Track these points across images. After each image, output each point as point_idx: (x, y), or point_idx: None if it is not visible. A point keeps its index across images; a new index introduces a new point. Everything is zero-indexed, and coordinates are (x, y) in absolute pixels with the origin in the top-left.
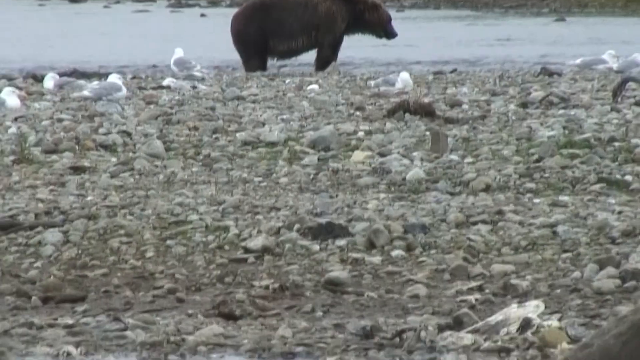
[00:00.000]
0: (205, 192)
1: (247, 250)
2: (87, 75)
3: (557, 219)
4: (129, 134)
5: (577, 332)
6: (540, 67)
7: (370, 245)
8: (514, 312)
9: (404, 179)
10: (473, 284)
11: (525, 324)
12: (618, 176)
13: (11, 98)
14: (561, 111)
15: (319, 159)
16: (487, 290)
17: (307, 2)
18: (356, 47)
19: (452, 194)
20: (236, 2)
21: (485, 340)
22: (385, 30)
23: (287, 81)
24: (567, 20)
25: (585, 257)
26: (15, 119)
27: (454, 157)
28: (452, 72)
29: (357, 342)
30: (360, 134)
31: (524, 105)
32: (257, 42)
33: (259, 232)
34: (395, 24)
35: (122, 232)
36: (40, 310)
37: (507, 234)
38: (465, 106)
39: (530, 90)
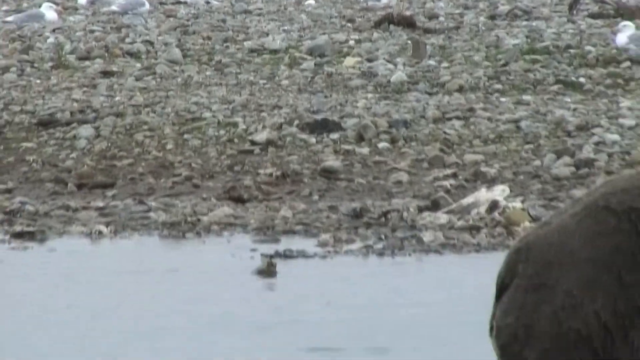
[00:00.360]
0: (217, 92)
1: (253, 142)
2: None
3: (520, 115)
4: (151, 43)
5: (537, 212)
6: None
7: (360, 138)
8: (483, 195)
9: (388, 81)
10: (448, 171)
11: (493, 205)
12: (573, 78)
13: (50, 12)
14: (524, 22)
15: (315, 64)
16: (460, 177)
17: None
18: None
19: (430, 94)
20: None
21: (458, 219)
22: None
23: None
24: None
25: (545, 148)
26: (53, 30)
27: (431, 62)
28: None
29: (348, 221)
30: (351, 42)
31: (492, 17)
32: None
33: (264, 127)
34: None
35: (145, 127)
36: (76, 195)
37: (477, 128)
38: (441, 18)
39: (497, 5)
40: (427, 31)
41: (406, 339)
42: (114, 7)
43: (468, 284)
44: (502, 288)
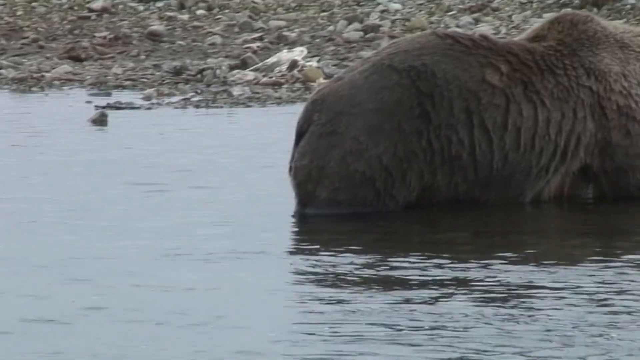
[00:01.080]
0: None
1: (90, 10)
2: None
3: None
4: None
5: (330, 71)
6: None
7: (181, 6)
8: (285, 55)
9: None
10: (255, 35)
11: (293, 64)
12: None
13: None
14: None
15: None
16: (265, 40)
17: None
18: None
19: None
20: None
21: (263, 76)
22: None
23: None
24: None
25: (338, 15)
26: None
27: None
28: None
29: (170, 77)
30: None
31: None
32: None
33: None
34: None
35: None
36: None
37: None
38: None
39: None
40: None
41: (219, 175)
42: None
43: (271, 130)
44: (300, 134)
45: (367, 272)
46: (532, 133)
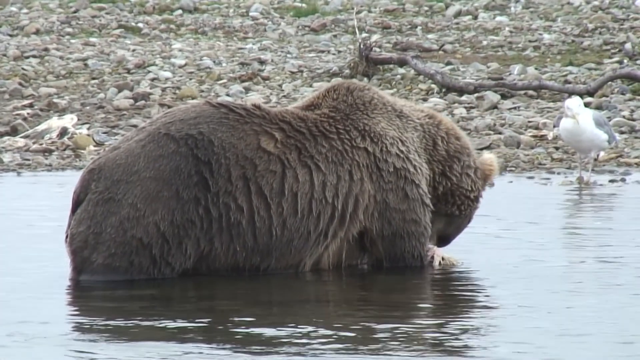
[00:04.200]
0: None
1: None
2: None
3: (88, 54)
4: None
5: (100, 138)
6: None
7: None
8: (55, 122)
9: None
10: (26, 102)
11: (63, 131)
12: (133, 24)
13: None
14: None
15: None
16: (36, 107)
17: None
18: None
19: (11, 35)
20: None
21: (34, 143)
22: None
23: None
24: None
25: (108, 83)
26: None
27: (13, 8)
28: None
29: None
30: None
31: None
32: None
33: None
34: None
35: None
36: None
37: (51, 65)
38: None
39: None
40: None
41: None
42: None
43: (42, 197)
44: (77, 203)
45: (128, 337)
46: (309, 197)
